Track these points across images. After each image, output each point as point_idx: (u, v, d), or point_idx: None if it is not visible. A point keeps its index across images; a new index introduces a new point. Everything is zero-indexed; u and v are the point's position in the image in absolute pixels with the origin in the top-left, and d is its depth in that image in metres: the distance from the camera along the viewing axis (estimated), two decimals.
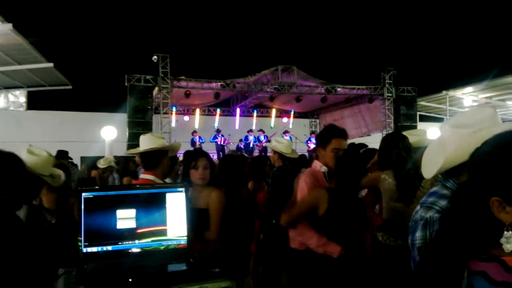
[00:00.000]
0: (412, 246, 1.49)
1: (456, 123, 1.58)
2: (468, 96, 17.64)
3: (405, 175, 2.87)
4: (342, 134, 2.90)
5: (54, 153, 8.11)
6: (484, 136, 1.45)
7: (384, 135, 17.75)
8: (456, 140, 1.52)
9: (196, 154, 3.05)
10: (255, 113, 19.33)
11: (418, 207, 1.56)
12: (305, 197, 2.73)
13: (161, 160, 2.83)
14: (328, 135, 2.88)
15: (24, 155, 2.24)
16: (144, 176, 2.80)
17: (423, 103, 18.65)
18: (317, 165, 2.91)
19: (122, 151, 11.87)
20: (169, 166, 3.00)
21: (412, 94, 16.39)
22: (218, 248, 2.75)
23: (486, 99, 17.57)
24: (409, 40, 33.07)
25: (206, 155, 3.06)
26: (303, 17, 37.61)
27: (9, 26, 10.37)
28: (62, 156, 7.78)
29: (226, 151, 15.00)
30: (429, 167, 1.64)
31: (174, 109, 16.15)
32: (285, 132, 16.66)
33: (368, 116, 17.94)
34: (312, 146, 16.71)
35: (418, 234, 1.46)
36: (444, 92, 17.24)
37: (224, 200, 2.95)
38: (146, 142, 2.84)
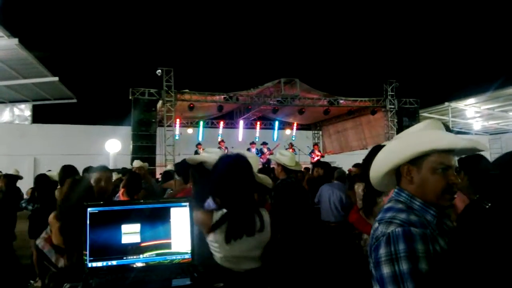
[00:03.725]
0: (377, 264, 1.39)
1: (396, 136, 1.67)
2: (470, 108, 17.64)
3: (368, 188, 2.76)
4: None
5: (58, 166, 8.20)
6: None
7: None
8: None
9: None
10: (258, 126, 19.39)
11: (376, 224, 1.48)
12: None
13: None
14: None
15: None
16: None
17: (425, 114, 18.65)
18: None
19: (126, 164, 11.93)
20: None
21: (414, 105, 16.43)
22: None
23: (488, 110, 17.58)
24: (411, 52, 33.20)
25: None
26: (305, 30, 37.87)
27: (15, 41, 10.52)
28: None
29: None
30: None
31: (178, 121, 16.23)
32: (290, 144, 16.71)
33: (368, 129, 17.99)
34: (316, 158, 16.71)
35: (382, 251, 1.38)
36: (446, 103, 17.25)
37: None
38: None
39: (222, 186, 2.14)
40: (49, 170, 6.89)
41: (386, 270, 1.35)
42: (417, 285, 1.28)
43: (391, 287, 1.33)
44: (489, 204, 1.37)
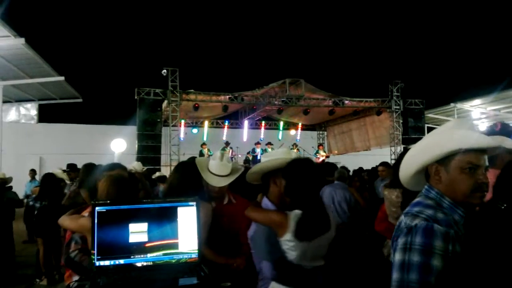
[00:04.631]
0: (394, 252, 1.46)
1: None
2: (476, 109, 17.56)
3: (406, 195, 2.66)
4: None
5: (64, 165, 8.26)
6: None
7: (391, 148, 17.33)
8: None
9: None
10: (263, 126, 19.39)
11: (402, 216, 1.51)
12: None
13: None
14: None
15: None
16: None
17: (431, 115, 18.59)
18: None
19: (131, 163, 11.97)
20: None
21: (419, 106, 16.37)
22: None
23: (494, 112, 17.47)
24: (416, 52, 33.09)
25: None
26: (310, 30, 37.84)
27: (21, 40, 10.59)
28: (73, 169, 7.89)
29: None
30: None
31: (182, 121, 16.24)
32: (294, 145, 16.68)
33: (371, 130, 17.94)
34: (321, 158, 16.67)
35: (401, 240, 1.43)
36: (452, 104, 17.19)
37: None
38: None
39: (299, 187, 2.16)
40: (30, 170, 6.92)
41: (398, 257, 1.40)
42: (422, 279, 1.31)
43: (396, 273, 1.38)
44: (505, 205, 1.36)
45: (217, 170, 2.88)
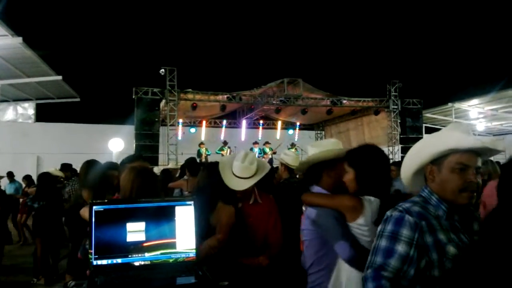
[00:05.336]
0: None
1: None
2: (474, 108, 17.61)
3: None
4: None
5: (59, 165, 8.24)
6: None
7: (389, 148, 17.31)
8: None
9: None
10: (261, 125, 19.39)
11: None
12: None
13: None
14: None
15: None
16: None
17: (428, 115, 18.62)
18: None
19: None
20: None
21: (417, 106, 16.36)
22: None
23: (491, 111, 17.53)
24: (414, 52, 33.13)
25: None
26: (308, 30, 37.85)
27: (19, 39, 10.58)
28: (66, 169, 7.88)
29: None
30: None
31: (180, 121, 16.23)
32: (292, 144, 16.69)
33: (368, 130, 17.95)
34: None
35: (379, 228, 1.61)
36: (449, 104, 17.23)
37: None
38: None
39: (373, 175, 2.15)
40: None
41: (374, 242, 1.60)
42: (384, 261, 1.48)
43: (369, 256, 1.57)
44: None
45: (238, 172, 2.81)
